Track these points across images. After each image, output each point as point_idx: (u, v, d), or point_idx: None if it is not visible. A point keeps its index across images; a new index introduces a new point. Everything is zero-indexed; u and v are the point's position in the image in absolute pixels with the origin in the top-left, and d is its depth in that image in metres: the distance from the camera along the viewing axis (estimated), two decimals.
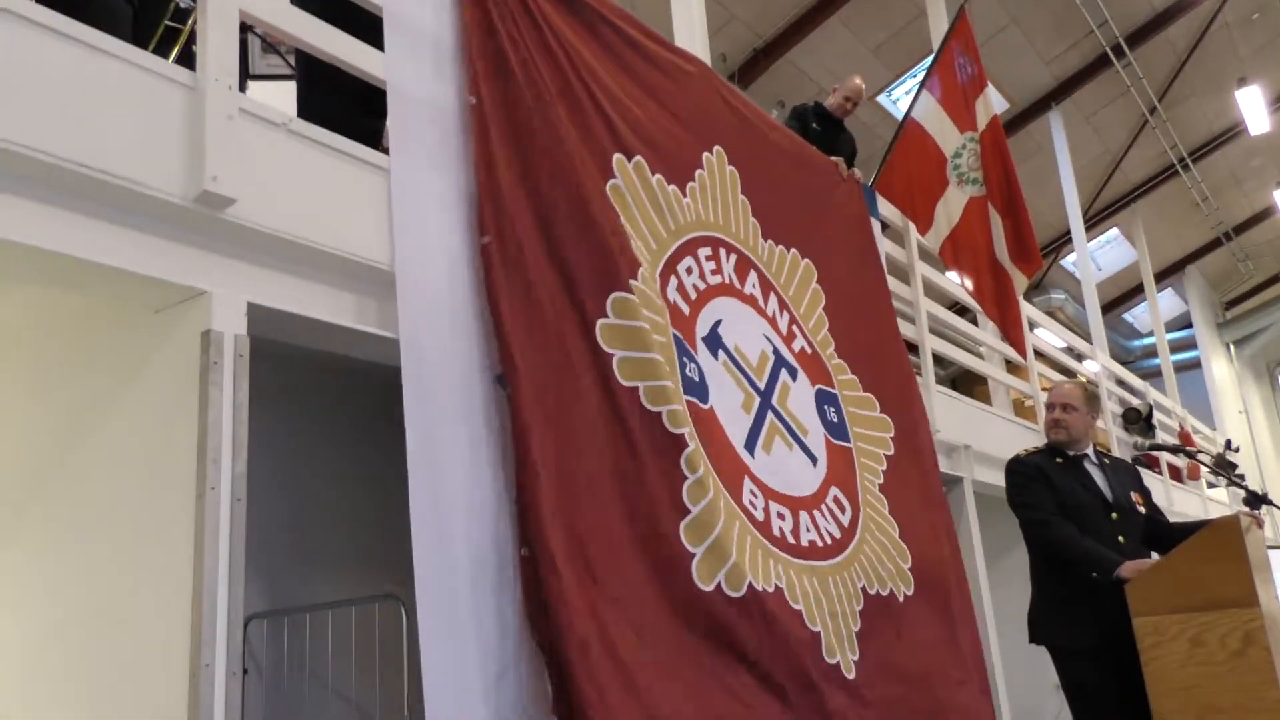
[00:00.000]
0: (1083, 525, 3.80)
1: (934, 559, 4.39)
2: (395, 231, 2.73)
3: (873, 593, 3.87)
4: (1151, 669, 2.96)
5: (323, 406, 4.10)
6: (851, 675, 3.49)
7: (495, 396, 2.86)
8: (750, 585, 3.21)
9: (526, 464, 2.73)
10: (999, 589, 7.17)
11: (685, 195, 3.93)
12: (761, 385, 3.96)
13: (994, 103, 6.42)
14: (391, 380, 2.63)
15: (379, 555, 3.51)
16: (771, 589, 3.35)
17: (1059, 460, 3.93)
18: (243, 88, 3.03)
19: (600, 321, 3.14)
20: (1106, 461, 4.14)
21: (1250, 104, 13.35)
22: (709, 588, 3.08)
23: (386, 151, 2.92)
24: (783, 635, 3.26)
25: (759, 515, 3.53)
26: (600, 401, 3.05)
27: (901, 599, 4.03)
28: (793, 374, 4.17)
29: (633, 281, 3.31)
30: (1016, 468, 4.01)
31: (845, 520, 4.00)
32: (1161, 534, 3.84)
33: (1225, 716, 2.85)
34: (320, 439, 4.08)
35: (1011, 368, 8.28)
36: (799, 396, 4.14)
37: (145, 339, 2.60)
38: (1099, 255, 16.86)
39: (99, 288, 2.51)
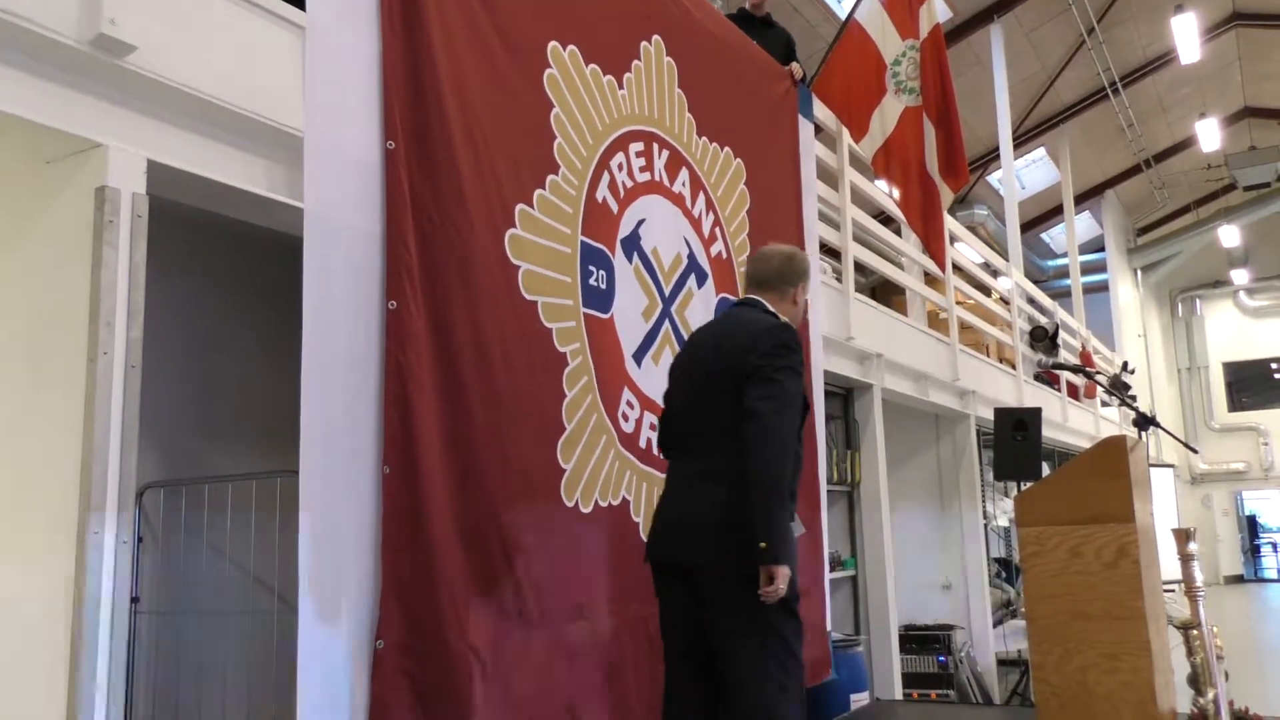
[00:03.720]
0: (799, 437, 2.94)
1: None
2: (308, 96, 2.59)
3: None
4: (1029, 576, 3.12)
5: (230, 275, 3.95)
6: None
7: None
8: (596, 502, 3.35)
9: (400, 385, 2.66)
10: (900, 497, 7.47)
11: (621, 86, 3.82)
12: (667, 291, 3.96)
13: (937, 10, 6.34)
14: (301, 251, 2.53)
15: (283, 429, 3.44)
16: (619, 502, 3.47)
17: None
18: None
19: (509, 232, 3.10)
20: None
21: (1184, 32, 13.48)
22: (570, 503, 3.23)
23: (304, 7, 2.74)
24: (617, 547, 3.41)
25: (629, 428, 3.60)
26: (506, 315, 3.03)
27: None
28: (701, 280, 4.17)
29: (540, 191, 3.26)
30: (798, 347, 2.83)
31: None
32: None
33: (1091, 621, 3.03)
34: (227, 309, 3.95)
35: (930, 280, 8.43)
36: (700, 304, 4.15)
37: (35, 191, 2.45)
38: (1024, 174, 17.09)
39: None
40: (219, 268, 3.89)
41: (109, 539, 2.23)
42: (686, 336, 4.01)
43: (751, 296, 2.99)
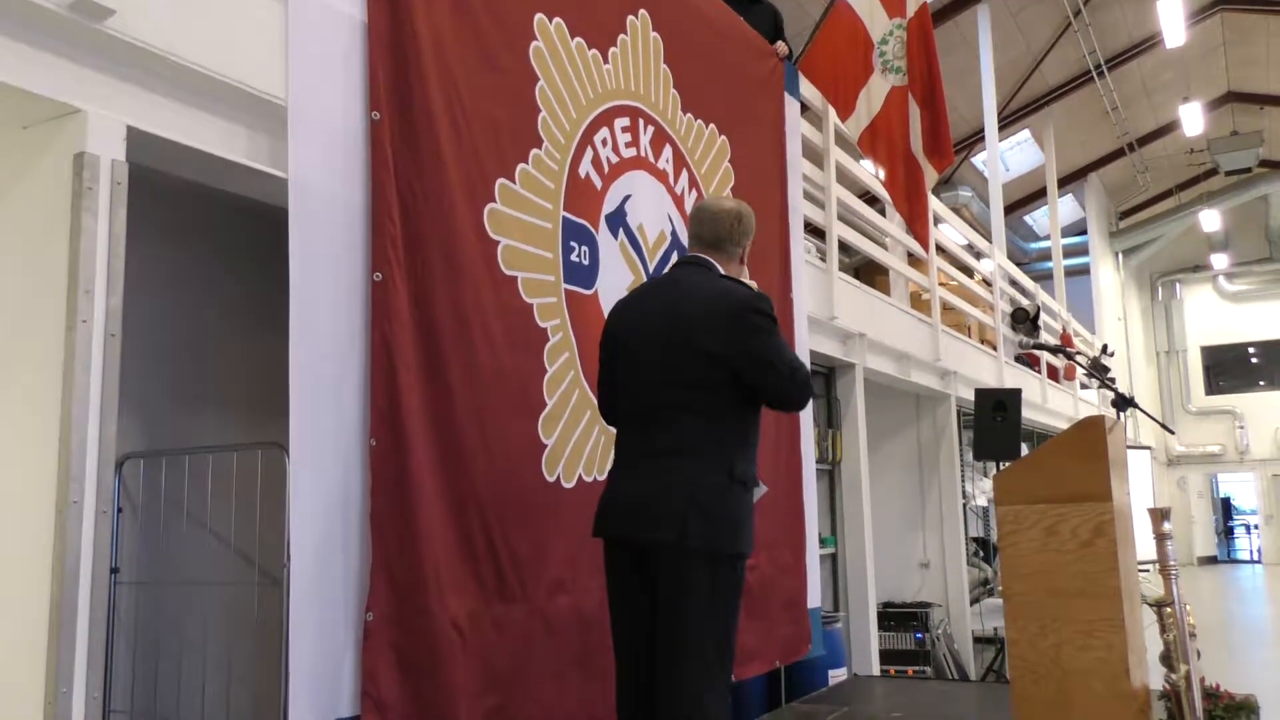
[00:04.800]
0: None
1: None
2: (291, 64, 2.56)
3: None
4: (1007, 554, 3.14)
5: (212, 245, 3.92)
6: None
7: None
8: (580, 477, 3.36)
9: (386, 358, 2.66)
10: (880, 476, 7.51)
11: (606, 61, 3.80)
12: (651, 268, 3.96)
13: None
14: (284, 221, 2.52)
15: (266, 401, 3.44)
16: (604, 477, 3.46)
17: None
18: None
19: (489, 206, 3.08)
20: None
21: (1170, 15, 13.49)
22: (551, 479, 3.24)
23: None
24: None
25: None
26: (486, 290, 3.02)
27: None
28: None
29: (523, 166, 3.25)
30: (773, 311, 2.76)
31: None
32: None
33: (1067, 599, 3.06)
34: (209, 278, 3.91)
35: (913, 260, 8.45)
36: None
37: (12, 157, 2.42)
38: (1008, 156, 17.12)
39: None
40: (201, 237, 3.86)
41: (88, 508, 2.22)
42: None
43: (700, 256, 2.84)
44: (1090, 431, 3.14)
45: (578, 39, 3.61)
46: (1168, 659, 3.27)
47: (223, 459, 3.45)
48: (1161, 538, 3.26)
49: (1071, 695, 3.03)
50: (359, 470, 2.60)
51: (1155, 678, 3.39)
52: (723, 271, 2.81)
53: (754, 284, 2.84)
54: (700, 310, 2.67)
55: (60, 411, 2.21)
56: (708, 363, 2.61)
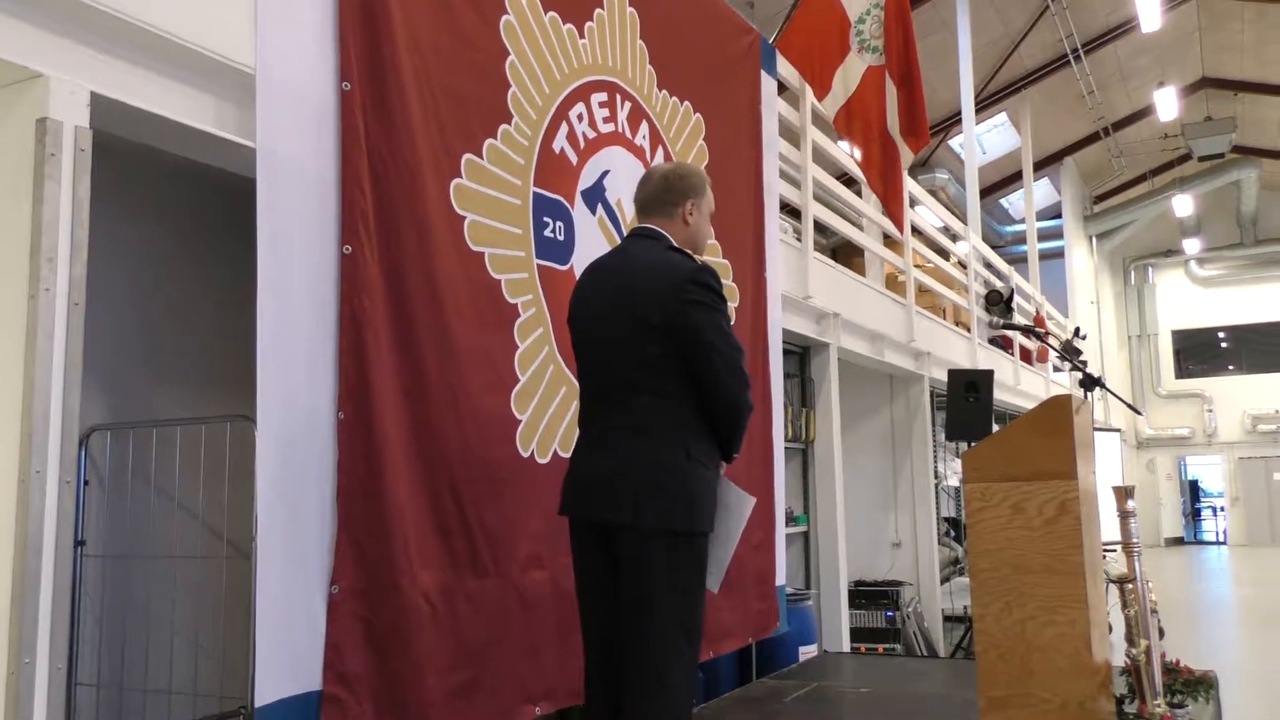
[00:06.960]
0: None
1: None
2: (261, 32, 2.52)
3: None
4: (974, 531, 3.18)
5: (181, 215, 3.87)
6: None
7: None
8: (556, 453, 3.37)
9: (355, 331, 2.64)
10: (853, 455, 7.56)
11: (582, 36, 3.77)
12: None
13: None
14: (254, 193, 2.49)
15: (234, 374, 3.42)
16: None
17: None
18: None
19: (455, 181, 3.07)
20: None
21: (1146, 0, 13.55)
22: (525, 454, 3.25)
23: None
24: None
25: None
26: (455, 265, 3.01)
27: None
28: None
29: (490, 141, 3.23)
30: (719, 283, 2.66)
31: None
32: None
33: (1031, 575, 3.10)
34: (177, 249, 3.87)
35: (889, 242, 8.47)
36: None
37: None
38: (985, 139, 17.18)
39: None
40: (170, 207, 3.81)
41: (51, 479, 2.20)
42: None
43: (649, 227, 2.76)
44: (1057, 410, 3.17)
45: (551, 14, 3.59)
46: (1129, 634, 3.32)
47: (191, 432, 3.43)
48: (1125, 515, 3.31)
49: (1035, 670, 3.07)
50: (329, 444, 2.59)
51: (1119, 657, 3.44)
52: (673, 243, 2.73)
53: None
54: (645, 283, 2.60)
55: (23, 381, 2.18)
56: (654, 337, 2.55)
